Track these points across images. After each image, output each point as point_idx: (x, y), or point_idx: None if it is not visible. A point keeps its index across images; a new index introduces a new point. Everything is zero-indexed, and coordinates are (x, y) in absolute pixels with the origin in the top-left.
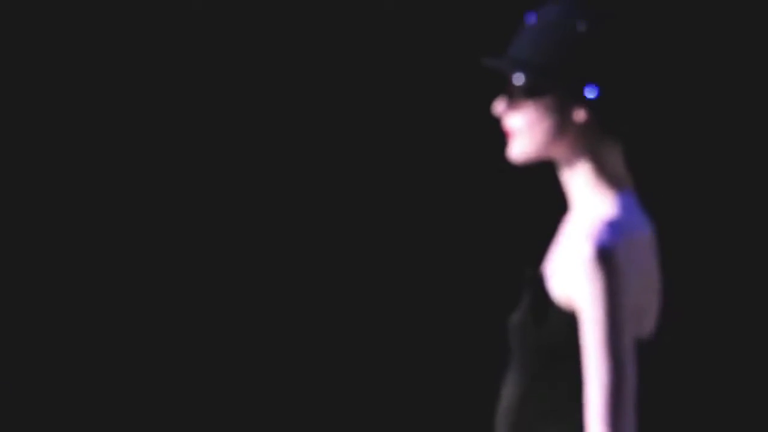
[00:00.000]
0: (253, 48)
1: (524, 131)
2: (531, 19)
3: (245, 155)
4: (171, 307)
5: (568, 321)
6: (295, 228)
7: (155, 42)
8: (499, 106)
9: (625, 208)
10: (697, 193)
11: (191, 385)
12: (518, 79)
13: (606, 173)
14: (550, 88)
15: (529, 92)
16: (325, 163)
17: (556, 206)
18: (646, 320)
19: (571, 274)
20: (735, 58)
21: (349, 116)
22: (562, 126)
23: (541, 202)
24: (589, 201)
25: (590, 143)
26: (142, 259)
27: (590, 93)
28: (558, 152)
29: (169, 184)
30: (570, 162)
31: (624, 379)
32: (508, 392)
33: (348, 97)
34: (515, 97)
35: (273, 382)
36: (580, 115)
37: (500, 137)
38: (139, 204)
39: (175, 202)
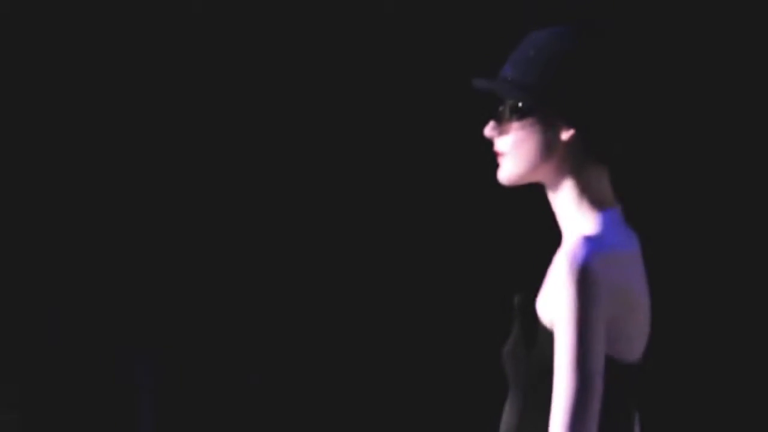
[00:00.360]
0: (253, 52)
1: (512, 152)
2: (522, 41)
3: (246, 158)
4: (171, 307)
5: (553, 341)
6: (282, 258)
7: (156, 45)
8: (489, 129)
9: (607, 225)
10: (689, 214)
11: (193, 384)
12: (507, 100)
13: (591, 194)
14: (538, 109)
15: (518, 113)
16: (311, 188)
17: (556, 233)
18: (632, 342)
19: (551, 293)
20: (723, 80)
21: (345, 126)
22: (549, 147)
23: (542, 229)
24: (575, 222)
25: (576, 164)
26: (143, 260)
27: (576, 115)
28: (545, 174)
29: (170, 185)
30: (557, 184)
31: (590, 393)
32: (507, 419)
33: (346, 102)
34: (504, 118)
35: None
36: (566, 136)
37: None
38: (140, 204)
39: (176, 202)
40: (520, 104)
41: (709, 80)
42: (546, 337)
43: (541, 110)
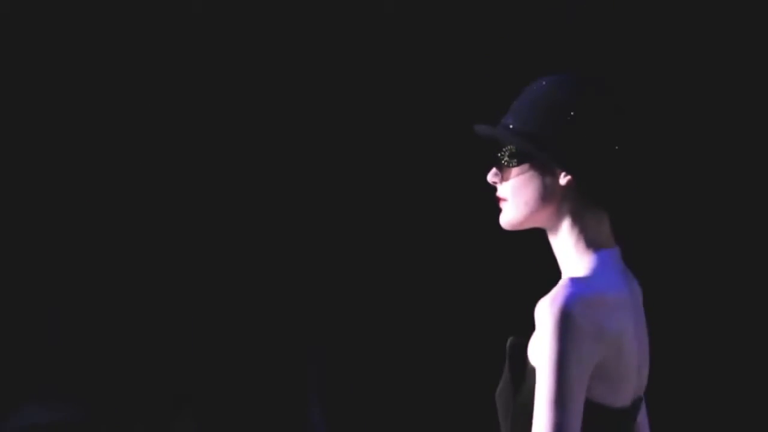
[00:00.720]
0: (253, 52)
1: (513, 198)
2: (523, 90)
3: (245, 157)
4: (169, 307)
5: None
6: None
7: (156, 44)
8: (491, 175)
9: (600, 267)
10: (691, 253)
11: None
12: (507, 146)
13: (589, 237)
14: (537, 156)
15: (517, 160)
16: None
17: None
18: (619, 387)
19: (537, 335)
20: (719, 123)
21: (344, 128)
22: (548, 193)
23: (544, 271)
24: (571, 264)
25: (575, 209)
26: (142, 258)
27: (573, 161)
28: (545, 219)
29: (170, 185)
30: (556, 228)
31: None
32: None
33: (346, 103)
34: (505, 165)
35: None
36: (564, 182)
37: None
38: (139, 204)
39: (175, 202)
40: (519, 152)
41: (706, 121)
42: (533, 379)
43: (539, 157)
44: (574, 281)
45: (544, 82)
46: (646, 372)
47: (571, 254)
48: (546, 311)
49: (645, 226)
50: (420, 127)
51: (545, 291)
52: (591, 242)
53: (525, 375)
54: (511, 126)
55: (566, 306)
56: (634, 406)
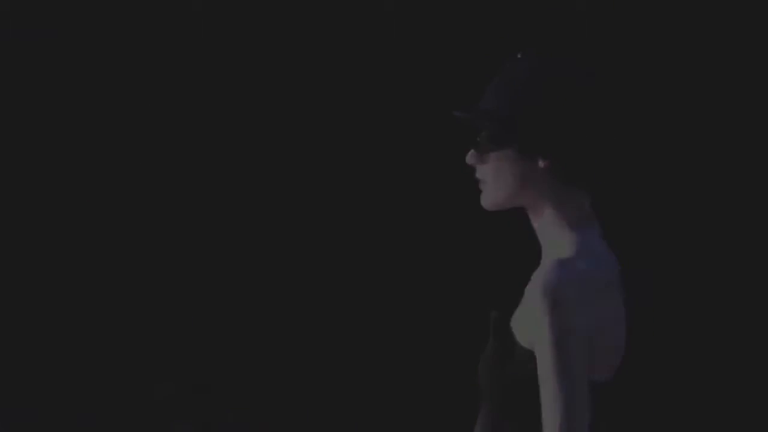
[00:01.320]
0: (252, 49)
1: (491, 181)
2: (498, 73)
3: (245, 155)
4: (170, 307)
5: (529, 359)
6: (268, 268)
7: (156, 42)
8: (469, 157)
9: (582, 247)
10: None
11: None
12: (484, 130)
13: (570, 217)
14: (513, 139)
15: (495, 143)
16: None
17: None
18: (601, 361)
19: (527, 313)
20: (696, 105)
21: (342, 127)
22: (526, 175)
23: (524, 245)
24: (553, 243)
25: (555, 190)
26: (142, 258)
27: (550, 145)
28: (525, 200)
29: (169, 184)
30: (537, 208)
31: (575, 413)
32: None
33: (345, 101)
34: (483, 147)
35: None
36: (543, 164)
37: None
38: (139, 204)
39: (175, 201)
40: (496, 135)
41: (684, 99)
42: (521, 356)
43: (515, 140)
44: (561, 263)
45: (519, 64)
46: (623, 346)
47: (553, 234)
48: (539, 295)
49: (626, 206)
50: (416, 115)
51: (524, 266)
52: (572, 222)
53: (509, 349)
54: (487, 109)
55: (558, 287)
56: (616, 381)
